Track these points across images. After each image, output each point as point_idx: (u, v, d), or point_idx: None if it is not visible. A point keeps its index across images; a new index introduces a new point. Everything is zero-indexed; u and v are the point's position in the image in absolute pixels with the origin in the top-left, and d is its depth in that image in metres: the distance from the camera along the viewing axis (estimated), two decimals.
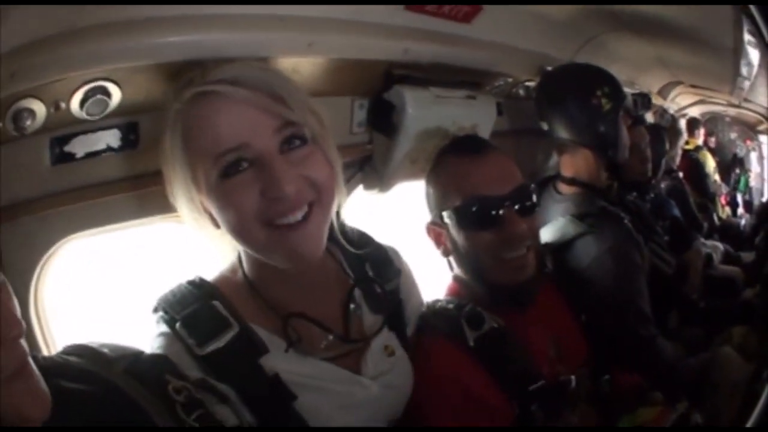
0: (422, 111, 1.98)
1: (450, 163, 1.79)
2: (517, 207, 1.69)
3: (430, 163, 1.88)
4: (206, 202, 1.31)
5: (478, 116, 2.24)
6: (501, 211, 1.68)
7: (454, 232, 1.75)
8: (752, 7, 1.33)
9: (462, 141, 1.88)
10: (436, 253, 1.87)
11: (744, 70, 3.57)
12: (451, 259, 1.84)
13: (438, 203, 1.79)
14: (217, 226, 1.34)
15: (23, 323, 0.81)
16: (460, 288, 1.84)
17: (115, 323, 1.70)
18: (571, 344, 1.86)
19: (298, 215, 1.28)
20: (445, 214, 1.75)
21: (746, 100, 4.72)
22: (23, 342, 0.81)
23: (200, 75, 1.31)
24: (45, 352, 1.43)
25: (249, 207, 1.25)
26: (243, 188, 1.25)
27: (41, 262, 1.45)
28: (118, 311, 1.76)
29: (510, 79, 2.56)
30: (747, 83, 4.00)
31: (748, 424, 1.28)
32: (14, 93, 1.21)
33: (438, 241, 1.82)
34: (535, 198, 1.76)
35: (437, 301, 1.79)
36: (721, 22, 2.63)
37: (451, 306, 1.73)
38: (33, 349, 1.35)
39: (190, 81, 1.31)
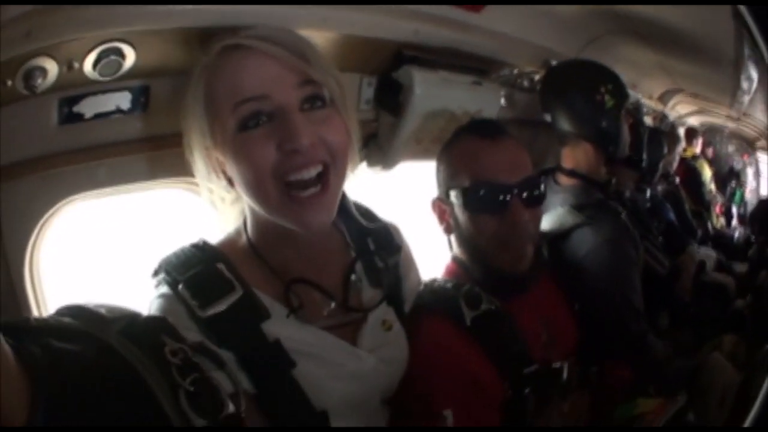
0: (429, 92, 2.01)
1: (465, 143, 1.79)
2: (524, 196, 1.71)
3: (436, 144, 1.89)
4: (222, 156, 1.34)
5: (483, 102, 2.28)
6: (508, 198, 1.70)
7: (458, 211, 1.77)
8: (742, 8, 1.34)
9: (480, 123, 1.90)
10: (435, 233, 1.89)
11: (744, 84, 3.58)
12: (452, 237, 1.86)
13: (447, 180, 1.80)
14: (231, 185, 1.36)
15: None
16: (458, 269, 1.85)
17: (113, 287, 1.71)
18: (563, 332, 1.88)
19: (312, 172, 1.30)
20: (452, 192, 1.76)
21: (745, 114, 4.73)
22: None
23: (230, 34, 1.33)
24: (36, 314, 1.43)
25: (265, 160, 1.27)
26: (260, 141, 1.27)
27: (40, 222, 1.45)
28: (116, 275, 1.78)
29: (515, 70, 2.58)
30: (746, 98, 4.00)
31: (746, 424, 1.28)
32: (27, 52, 1.21)
33: (441, 218, 1.83)
34: (542, 189, 1.78)
35: (435, 279, 1.81)
36: (723, 33, 2.64)
37: (449, 285, 1.74)
38: (24, 311, 1.40)
39: (220, 39, 1.34)
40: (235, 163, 1.31)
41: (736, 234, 5.71)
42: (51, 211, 1.47)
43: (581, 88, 2.41)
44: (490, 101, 2.35)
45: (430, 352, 1.61)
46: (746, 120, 5.09)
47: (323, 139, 1.31)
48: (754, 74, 3.29)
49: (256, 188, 1.31)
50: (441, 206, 1.83)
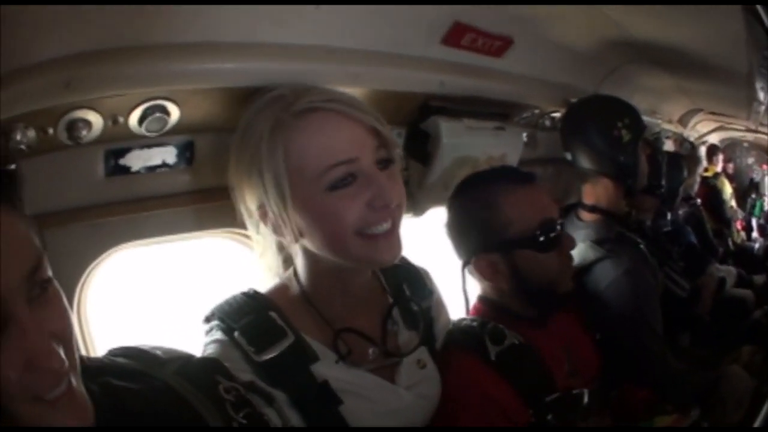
0: (455, 140, 2.09)
1: (508, 192, 1.81)
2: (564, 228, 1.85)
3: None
4: (298, 213, 1.38)
5: (506, 146, 2.35)
6: (560, 235, 1.83)
7: (520, 259, 1.80)
8: (759, 8, 1.36)
9: (510, 171, 1.97)
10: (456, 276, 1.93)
11: (760, 95, 3.57)
12: (493, 285, 1.89)
13: (495, 233, 1.80)
14: (296, 236, 1.42)
15: (66, 362, 0.82)
16: (483, 308, 1.91)
17: (157, 333, 1.77)
18: (585, 360, 1.94)
19: (390, 223, 1.40)
20: (509, 242, 1.79)
21: (762, 124, 4.72)
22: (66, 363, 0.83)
23: (293, 94, 1.40)
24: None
25: (353, 215, 1.35)
26: (350, 199, 1.35)
27: (88, 270, 1.51)
28: (160, 321, 1.84)
29: (537, 111, 2.64)
30: (763, 108, 4.02)
31: (755, 424, 1.32)
32: (68, 103, 1.26)
33: (494, 271, 1.84)
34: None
35: (463, 319, 1.87)
36: (735, 48, 2.59)
37: (475, 324, 1.81)
38: None
39: (282, 98, 1.40)
40: (320, 218, 1.38)
41: (757, 245, 5.69)
42: (99, 259, 1.53)
43: (598, 125, 2.45)
44: (512, 145, 2.41)
45: (458, 386, 1.68)
46: (763, 130, 5.07)
47: (397, 193, 1.42)
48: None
49: (339, 240, 1.38)
50: (487, 262, 1.83)
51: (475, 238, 1.85)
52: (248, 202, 1.44)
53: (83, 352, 1.41)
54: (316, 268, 1.49)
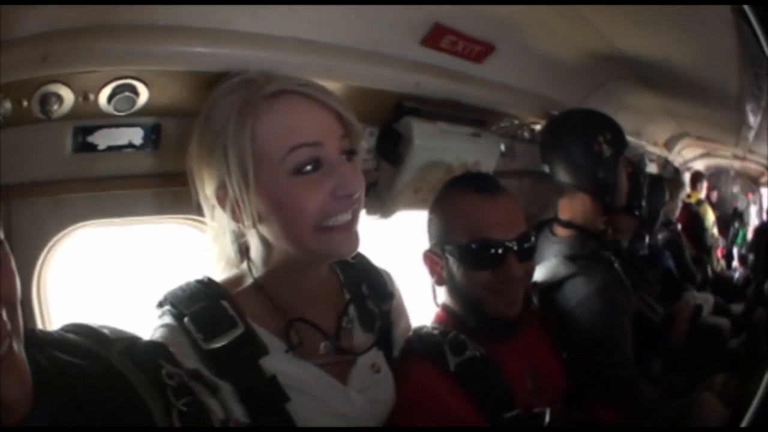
0: (428, 143, 2.06)
1: (461, 199, 1.81)
2: (517, 251, 1.74)
3: (433, 194, 1.92)
4: (260, 197, 1.38)
5: (481, 153, 2.32)
6: (503, 254, 1.73)
7: (453, 266, 1.79)
8: (747, 8, 1.32)
9: (476, 178, 1.93)
10: (425, 282, 1.92)
11: (749, 118, 3.57)
12: (443, 288, 1.89)
13: (441, 235, 1.83)
14: (255, 222, 1.41)
15: (8, 324, 0.84)
16: (446, 317, 1.88)
17: (112, 313, 1.71)
18: (549, 379, 1.90)
19: (350, 215, 1.40)
20: (447, 247, 1.79)
21: (751, 151, 4.73)
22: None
23: (264, 78, 1.40)
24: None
25: (314, 204, 1.36)
26: (313, 186, 1.35)
27: (50, 244, 1.50)
28: (115, 302, 1.82)
29: (516, 121, 2.61)
30: (752, 133, 4.01)
31: (742, 424, 1.29)
32: (44, 76, 1.27)
33: (433, 270, 1.85)
34: (534, 243, 1.82)
35: (423, 326, 1.84)
36: (728, 71, 2.64)
37: (436, 332, 1.78)
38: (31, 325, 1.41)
39: (253, 81, 1.40)
40: (281, 204, 1.38)
41: (737, 275, 5.71)
42: (61, 234, 1.52)
43: (579, 138, 2.43)
44: (488, 153, 2.38)
45: (414, 395, 1.65)
46: (751, 157, 5.09)
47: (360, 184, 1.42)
48: (759, 108, 3.29)
49: (297, 229, 1.38)
50: (433, 258, 1.85)
51: (429, 232, 1.90)
52: (206, 185, 1.43)
53: (39, 326, 1.50)
54: (271, 255, 1.48)
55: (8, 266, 0.87)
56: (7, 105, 1.25)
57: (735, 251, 6.48)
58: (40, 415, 0.89)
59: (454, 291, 1.85)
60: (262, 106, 1.36)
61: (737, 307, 3.84)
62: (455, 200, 1.84)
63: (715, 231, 6.00)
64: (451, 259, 1.79)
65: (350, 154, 1.42)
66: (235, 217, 1.42)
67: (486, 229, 1.74)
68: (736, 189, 7.56)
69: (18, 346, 0.87)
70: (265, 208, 1.38)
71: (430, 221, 1.89)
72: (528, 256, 1.80)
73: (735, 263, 6.32)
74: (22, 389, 0.87)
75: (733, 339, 3.18)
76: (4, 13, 1.07)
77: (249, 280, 1.51)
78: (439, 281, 1.87)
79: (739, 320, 3.50)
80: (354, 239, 1.43)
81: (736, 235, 6.68)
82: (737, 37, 2.14)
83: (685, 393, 2.43)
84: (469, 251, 1.75)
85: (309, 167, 1.35)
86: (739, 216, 7.13)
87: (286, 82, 1.39)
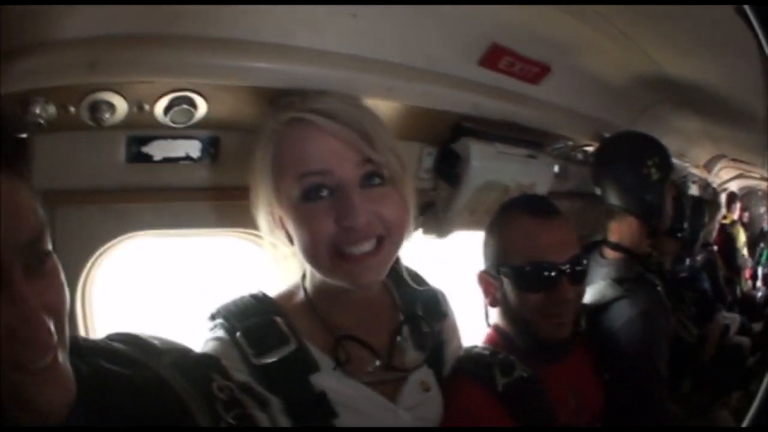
0: (485, 164, 2.06)
1: (518, 221, 1.81)
2: (570, 274, 1.75)
3: (489, 215, 1.92)
4: (285, 217, 1.41)
5: (536, 175, 2.32)
6: (556, 277, 1.74)
7: (507, 287, 1.80)
8: (748, 8, 1.33)
9: (532, 200, 1.92)
10: (478, 303, 1.92)
11: None
12: (495, 309, 1.89)
13: (497, 256, 1.83)
14: (291, 242, 1.44)
15: (55, 336, 0.84)
16: (497, 337, 1.89)
17: (161, 324, 1.71)
18: (591, 400, 1.91)
19: (367, 246, 1.37)
20: (502, 269, 1.80)
21: None
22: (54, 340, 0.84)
23: (300, 101, 1.41)
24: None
25: (324, 232, 1.35)
26: (320, 214, 1.35)
27: (97, 253, 1.52)
28: (166, 313, 1.83)
29: (570, 143, 2.62)
30: None
31: (743, 425, 1.29)
32: (93, 83, 1.27)
33: (487, 291, 1.86)
34: (586, 266, 1.83)
35: (474, 346, 1.85)
36: (756, 92, 2.64)
37: (486, 353, 1.78)
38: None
39: (290, 104, 1.42)
40: (296, 228, 1.39)
41: (759, 294, 5.68)
42: (110, 243, 1.53)
43: (628, 162, 2.44)
44: (542, 175, 2.38)
45: (460, 413, 1.65)
46: None
47: (380, 215, 1.38)
48: None
49: (313, 254, 1.38)
50: (487, 280, 1.85)
51: (485, 253, 1.89)
52: (260, 201, 1.46)
53: (83, 334, 1.51)
54: (316, 275, 1.48)
55: (57, 278, 0.88)
56: (51, 110, 1.26)
57: (760, 271, 6.45)
58: (78, 417, 0.89)
59: (506, 312, 1.85)
60: (282, 132, 1.39)
61: (757, 326, 3.85)
62: (511, 222, 1.84)
63: (745, 251, 5.97)
64: (505, 281, 1.80)
65: (371, 180, 1.39)
66: (275, 232, 1.46)
67: (540, 252, 1.75)
68: (763, 209, 7.52)
69: (63, 358, 0.87)
70: (290, 228, 1.41)
71: (485, 243, 1.89)
72: (580, 279, 1.81)
73: (759, 283, 6.29)
74: (63, 399, 0.87)
75: (751, 357, 3.21)
76: (52, 11, 1.09)
77: (301, 297, 1.52)
78: (493, 302, 1.87)
79: (758, 339, 3.50)
80: (374, 271, 1.41)
81: (761, 255, 6.64)
82: (763, 61, 2.14)
83: (706, 411, 2.50)
84: (522, 273, 1.76)
85: (317, 194, 1.35)
86: (765, 236, 7.09)
87: (305, 107, 1.39)
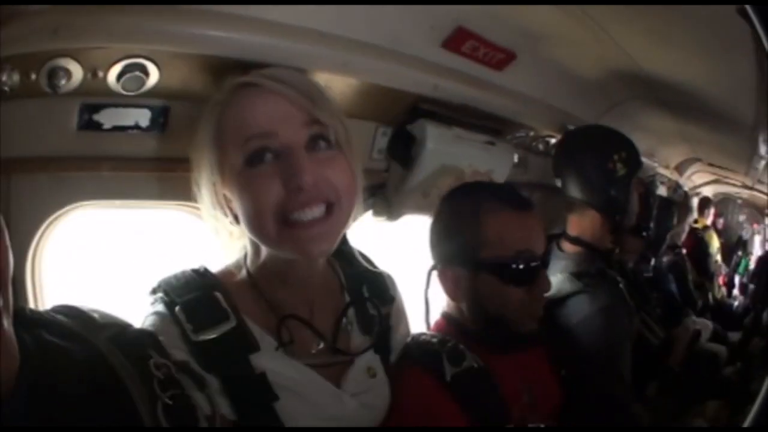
0: (441, 148, 2.05)
1: (500, 214, 1.77)
2: (543, 266, 1.77)
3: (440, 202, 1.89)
4: (228, 192, 1.38)
5: (494, 163, 2.31)
6: (538, 271, 1.75)
7: (484, 281, 1.76)
8: (749, 8, 1.31)
9: (510, 192, 1.87)
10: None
11: (762, 148, 3.55)
12: (446, 301, 1.87)
13: (473, 250, 1.77)
14: (236, 219, 1.41)
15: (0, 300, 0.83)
16: (447, 325, 1.86)
17: (106, 296, 1.71)
18: (546, 394, 1.88)
19: (315, 211, 1.34)
20: (481, 263, 1.75)
21: (760, 181, 4.73)
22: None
23: (242, 72, 1.39)
24: (32, 307, 1.46)
25: (269, 197, 1.31)
26: (266, 178, 1.31)
27: (48, 221, 1.49)
28: (111, 285, 1.81)
29: (532, 132, 2.61)
30: (762, 163, 4.00)
31: (745, 424, 1.29)
32: (54, 49, 1.25)
33: (455, 286, 1.81)
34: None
35: (422, 333, 1.81)
36: (745, 99, 2.64)
37: (435, 340, 1.74)
38: (21, 303, 1.41)
39: (232, 77, 1.39)
40: (240, 197, 1.35)
41: (736, 303, 5.72)
42: (60, 212, 1.51)
43: (593, 155, 2.42)
44: (501, 163, 2.37)
45: (408, 403, 1.62)
46: (760, 187, 5.07)
47: (328, 179, 1.35)
48: None
49: (258, 223, 1.34)
50: (452, 275, 1.80)
51: (448, 247, 1.83)
52: (198, 181, 1.44)
53: (32, 305, 1.49)
54: (260, 253, 1.46)
55: (1, 241, 0.85)
56: (15, 77, 1.24)
57: (736, 279, 6.51)
58: (21, 393, 0.88)
59: (474, 306, 1.81)
60: (224, 101, 1.37)
61: (735, 336, 3.85)
62: (491, 215, 1.78)
63: (718, 258, 6.03)
64: (483, 275, 1.76)
65: (317, 143, 1.36)
66: (217, 212, 1.43)
67: (527, 245, 1.74)
68: (742, 218, 7.59)
69: (8, 324, 0.84)
70: (234, 202, 1.38)
71: (448, 237, 1.84)
72: (545, 269, 1.83)
73: (735, 291, 6.35)
74: (10, 366, 0.85)
75: (728, 367, 3.19)
76: None
77: (244, 274, 1.49)
78: (455, 297, 1.83)
79: (736, 349, 3.49)
80: (324, 239, 1.37)
81: (738, 264, 6.71)
82: (757, 67, 2.13)
83: (677, 417, 2.47)
84: (509, 266, 1.73)
85: (261, 158, 1.33)
86: (743, 245, 7.16)
87: (251, 74, 1.38)
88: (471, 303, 1.80)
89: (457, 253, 1.79)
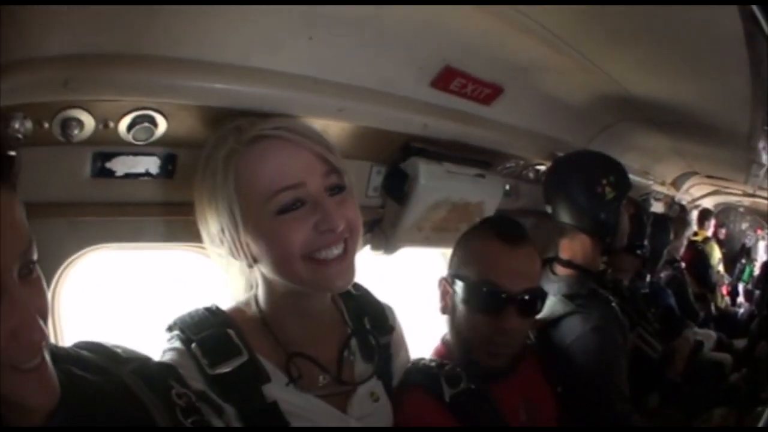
0: (433, 183, 2.12)
1: (485, 240, 1.87)
2: (519, 304, 1.79)
3: (437, 232, 1.97)
4: (252, 237, 1.44)
5: (484, 194, 2.38)
6: (503, 304, 1.78)
7: (457, 299, 1.85)
8: (755, 8, 1.34)
9: (506, 225, 1.93)
10: (425, 318, 1.97)
11: (761, 156, 3.55)
12: (446, 317, 1.93)
13: (457, 267, 1.89)
14: (254, 261, 1.49)
15: (46, 330, 0.90)
16: (445, 351, 1.93)
17: (123, 333, 1.74)
18: (544, 412, 1.94)
19: (340, 248, 1.44)
20: (458, 281, 1.84)
21: (761, 188, 4.67)
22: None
23: (249, 124, 1.46)
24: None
25: (300, 239, 1.40)
26: (298, 222, 1.40)
27: (65, 264, 1.56)
28: (127, 322, 1.89)
29: (521, 162, 2.65)
30: (763, 170, 3.99)
31: (759, 424, 1.32)
32: (65, 100, 1.32)
33: (443, 297, 1.91)
34: (539, 304, 1.86)
35: (422, 359, 1.88)
36: (737, 106, 2.62)
37: (433, 364, 1.82)
38: None
39: (238, 128, 1.46)
40: (270, 242, 1.43)
41: (741, 310, 5.70)
42: (76, 255, 1.58)
43: (581, 180, 2.47)
44: (491, 194, 2.43)
45: (410, 422, 1.70)
46: (761, 193, 5.06)
47: (346, 218, 1.45)
48: None
49: (288, 263, 1.43)
50: (446, 287, 1.90)
51: (451, 260, 1.94)
52: (210, 225, 1.49)
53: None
54: (274, 292, 1.54)
55: (42, 284, 0.94)
56: (28, 125, 1.30)
57: (740, 287, 6.47)
58: (58, 422, 0.95)
59: (453, 324, 1.90)
60: (244, 153, 1.42)
61: (740, 343, 3.86)
62: (479, 240, 1.88)
63: (720, 268, 5.99)
64: (457, 291, 1.84)
65: (336, 189, 1.46)
66: (234, 256, 1.49)
67: (495, 275, 1.79)
68: (745, 225, 7.55)
69: (48, 359, 0.93)
70: (257, 247, 1.44)
71: (453, 252, 1.95)
72: (528, 313, 1.84)
73: (740, 299, 6.32)
74: (51, 397, 0.93)
75: (734, 374, 3.22)
76: (29, 30, 1.14)
77: (254, 313, 1.57)
78: (444, 309, 1.92)
79: (741, 355, 3.53)
80: (346, 272, 1.48)
81: (742, 272, 6.66)
82: (750, 76, 2.14)
83: (683, 427, 2.50)
84: (473, 291, 1.80)
85: (293, 206, 1.40)
86: (747, 252, 7.12)
87: (266, 125, 1.45)
88: (450, 318, 1.90)
89: (450, 266, 1.92)
